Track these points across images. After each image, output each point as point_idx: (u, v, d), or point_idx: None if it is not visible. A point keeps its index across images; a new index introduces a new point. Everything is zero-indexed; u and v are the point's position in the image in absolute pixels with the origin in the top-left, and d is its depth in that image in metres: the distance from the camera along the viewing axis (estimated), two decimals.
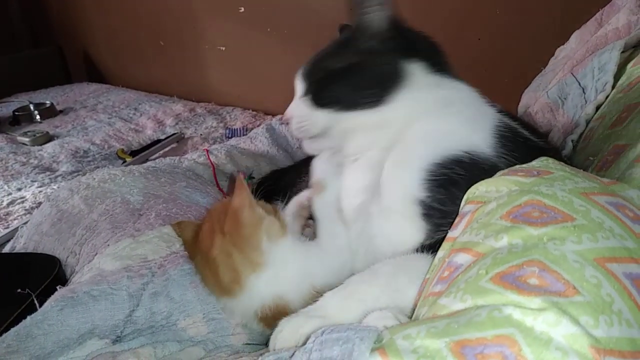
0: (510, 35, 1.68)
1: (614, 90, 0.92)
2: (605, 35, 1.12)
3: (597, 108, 0.93)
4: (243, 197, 0.68)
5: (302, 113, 0.78)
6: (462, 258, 0.49)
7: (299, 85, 0.80)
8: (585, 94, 1.01)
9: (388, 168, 0.70)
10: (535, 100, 1.20)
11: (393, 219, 0.68)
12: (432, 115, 0.72)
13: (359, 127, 0.75)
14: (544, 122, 1.09)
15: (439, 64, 0.76)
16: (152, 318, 0.67)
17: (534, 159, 0.61)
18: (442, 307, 0.45)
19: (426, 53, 0.76)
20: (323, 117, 0.76)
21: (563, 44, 1.36)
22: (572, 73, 1.09)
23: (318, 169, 0.83)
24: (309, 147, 0.82)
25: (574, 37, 1.32)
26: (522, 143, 0.71)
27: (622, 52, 0.96)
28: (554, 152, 0.75)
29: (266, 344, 0.74)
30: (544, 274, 0.40)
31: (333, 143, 0.79)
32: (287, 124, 0.81)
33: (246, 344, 0.72)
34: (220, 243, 0.68)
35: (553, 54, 1.40)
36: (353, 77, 0.75)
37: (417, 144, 0.70)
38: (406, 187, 0.66)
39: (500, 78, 1.71)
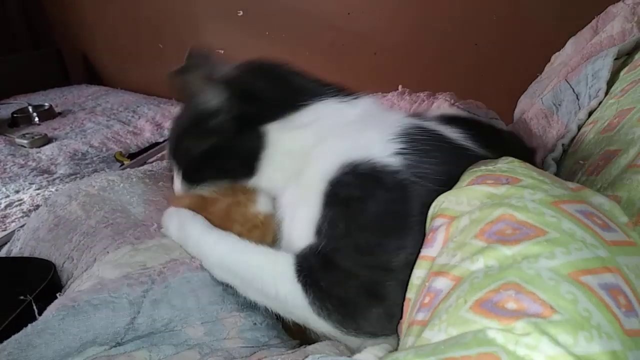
0: (507, 41, 1.69)
1: (607, 97, 0.92)
2: (600, 42, 1.13)
3: (590, 114, 0.94)
4: None
5: (182, 189, 0.81)
6: (441, 283, 0.49)
7: (173, 164, 0.83)
8: (579, 100, 1.01)
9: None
10: (531, 107, 1.21)
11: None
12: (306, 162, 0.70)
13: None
14: (539, 128, 1.10)
15: (293, 100, 0.73)
16: (153, 325, 0.67)
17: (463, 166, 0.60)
18: (427, 341, 0.45)
19: (275, 99, 0.74)
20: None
21: (559, 50, 1.37)
22: (566, 79, 1.09)
23: None
24: None
25: (570, 44, 1.33)
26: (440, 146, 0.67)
27: (616, 59, 0.97)
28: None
29: (260, 346, 0.75)
30: (521, 297, 0.41)
31: None
32: None
33: (241, 346, 0.72)
34: None
35: (549, 60, 1.40)
36: (216, 159, 0.75)
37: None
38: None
39: (496, 84, 1.71)
